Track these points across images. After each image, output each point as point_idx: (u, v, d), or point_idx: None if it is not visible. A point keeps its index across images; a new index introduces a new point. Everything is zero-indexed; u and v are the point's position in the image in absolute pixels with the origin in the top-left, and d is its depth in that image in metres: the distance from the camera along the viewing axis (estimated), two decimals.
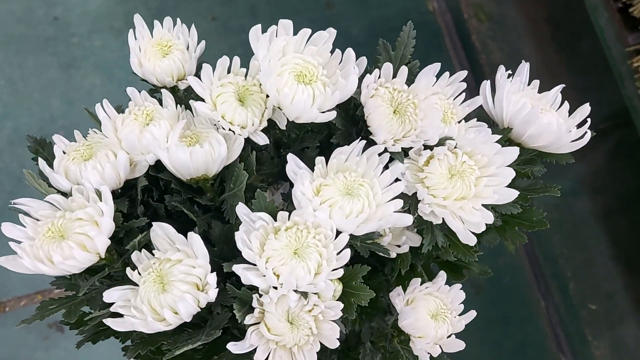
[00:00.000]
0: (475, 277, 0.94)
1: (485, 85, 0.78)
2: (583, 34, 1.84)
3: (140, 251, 0.69)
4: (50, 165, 0.72)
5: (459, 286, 0.79)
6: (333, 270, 0.66)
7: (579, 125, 0.78)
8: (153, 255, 0.68)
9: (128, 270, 0.67)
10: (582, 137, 0.76)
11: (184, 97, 0.79)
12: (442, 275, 0.80)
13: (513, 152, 0.71)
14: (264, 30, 0.72)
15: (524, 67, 0.79)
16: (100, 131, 0.74)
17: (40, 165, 0.72)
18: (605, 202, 1.81)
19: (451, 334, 0.78)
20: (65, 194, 0.70)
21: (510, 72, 0.78)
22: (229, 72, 0.74)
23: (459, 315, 0.78)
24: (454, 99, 0.76)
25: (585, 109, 0.78)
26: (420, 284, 0.79)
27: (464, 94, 0.76)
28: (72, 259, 0.65)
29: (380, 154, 0.70)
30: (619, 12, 1.59)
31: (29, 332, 1.60)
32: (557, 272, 1.76)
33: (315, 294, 0.66)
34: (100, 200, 0.68)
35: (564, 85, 0.80)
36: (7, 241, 0.68)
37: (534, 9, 1.94)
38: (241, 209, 0.67)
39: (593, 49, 1.73)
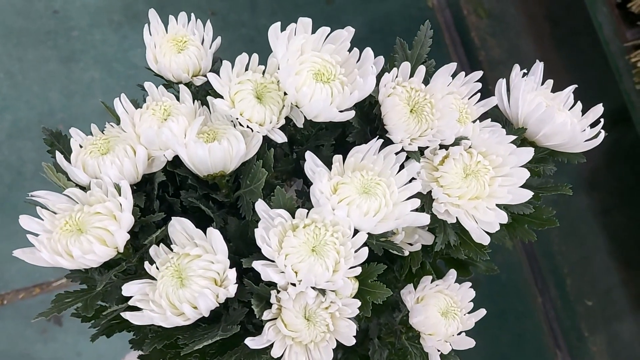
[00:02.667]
0: (482, 273, 0.95)
1: (501, 84, 0.78)
2: (582, 30, 1.85)
3: (158, 246, 0.69)
4: (67, 158, 0.73)
5: (469, 284, 0.79)
6: (350, 268, 0.66)
7: (592, 125, 0.79)
8: (171, 250, 0.68)
9: (146, 264, 0.67)
10: (595, 136, 0.77)
11: (197, 92, 0.79)
12: (452, 273, 0.80)
13: (528, 153, 0.72)
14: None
15: (538, 67, 0.80)
16: (117, 125, 0.75)
17: (58, 159, 0.72)
18: (603, 199, 1.82)
19: (461, 332, 0.78)
20: (83, 188, 0.70)
21: (526, 71, 0.78)
22: (247, 69, 0.74)
23: (469, 313, 0.79)
24: (469, 99, 0.77)
25: (598, 109, 0.79)
26: (430, 282, 0.80)
27: (479, 93, 0.76)
28: (92, 253, 0.65)
29: (396, 153, 0.70)
30: (618, 8, 1.59)
31: (27, 325, 1.60)
32: (554, 268, 1.78)
33: (332, 291, 0.66)
34: (119, 195, 0.68)
35: (576, 86, 0.81)
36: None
37: (533, 6, 1.95)
38: (260, 206, 0.67)
39: (592, 45, 1.74)
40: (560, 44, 1.91)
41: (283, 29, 0.72)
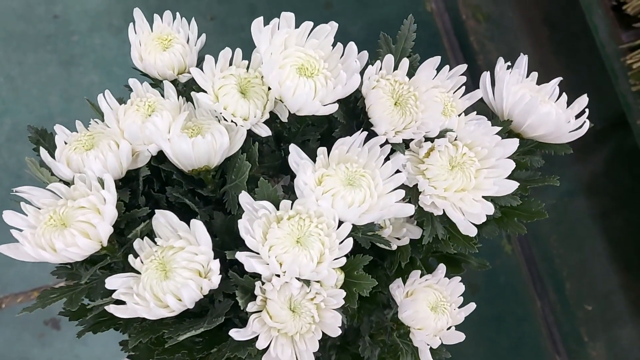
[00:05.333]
0: (474, 270, 0.94)
1: (485, 76, 0.78)
2: (580, 34, 1.85)
3: (142, 239, 0.69)
4: (52, 155, 0.73)
5: (459, 278, 0.79)
6: (335, 259, 0.66)
7: (577, 117, 0.78)
8: (155, 243, 0.68)
9: (130, 257, 0.67)
10: (580, 127, 0.77)
11: (184, 91, 0.80)
12: (442, 268, 0.80)
13: (513, 144, 0.72)
14: (265, 24, 0.72)
15: (523, 60, 0.80)
16: (102, 121, 0.75)
17: (42, 155, 0.72)
18: (602, 202, 1.82)
19: (451, 326, 0.78)
20: (67, 183, 0.71)
21: (510, 64, 0.79)
22: (230, 64, 0.74)
23: (459, 307, 0.78)
24: (454, 93, 0.77)
25: (583, 100, 0.79)
26: (420, 277, 0.79)
27: (463, 87, 0.76)
28: (75, 246, 0.65)
29: (381, 146, 0.70)
30: (613, 10, 1.59)
31: (25, 329, 1.60)
32: (553, 272, 1.77)
33: (317, 282, 0.66)
34: (103, 188, 0.68)
35: (561, 78, 0.81)
36: (11, 237, 0.68)
37: (531, 10, 1.95)
38: (244, 198, 0.67)
39: (590, 49, 1.74)
40: (558, 47, 1.91)
41: None
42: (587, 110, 0.78)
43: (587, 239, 1.80)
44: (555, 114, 0.75)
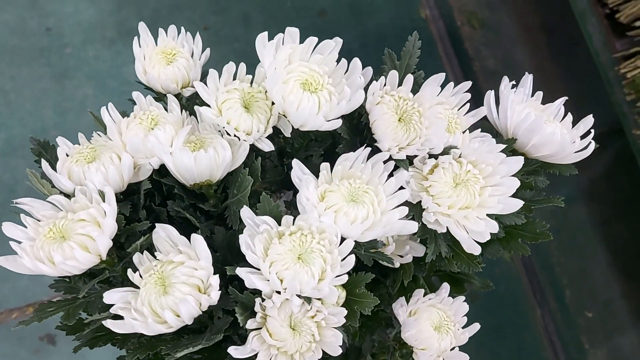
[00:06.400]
0: (477, 290, 0.94)
1: (490, 95, 0.78)
2: (577, 40, 1.84)
3: (142, 253, 0.68)
4: (53, 167, 0.72)
5: (462, 298, 0.78)
6: (337, 276, 0.65)
7: (583, 136, 0.78)
8: (155, 258, 0.68)
9: (129, 272, 0.67)
10: (585, 148, 0.76)
11: (187, 105, 0.79)
12: (445, 287, 0.79)
13: (518, 162, 0.71)
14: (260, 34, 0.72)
15: (527, 79, 0.79)
16: (104, 134, 0.74)
17: (44, 167, 0.72)
18: (602, 210, 1.81)
19: (454, 347, 0.77)
20: (68, 196, 0.70)
21: (515, 83, 0.78)
22: (234, 78, 0.74)
23: (462, 327, 0.78)
24: (458, 110, 0.76)
25: (588, 121, 0.79)
26: (423, 296, 0.79)
27: (468, 104, 0.76)
28: (73, 259, 0.64)
29: (385, 162, 0.70)
30: (606, 18, 1.58)
31: (20, 345, 1.58)
32: (553, 280, 1.76)
33: (318, 299, 0.66)
34: (104, 202, 0.67)
35: (566, 98, 0.80)
36: (6, 253, 0.68)
37: (528, 16, 1.94)
38: (245, 213, 0.66)
39: (587, 56, 1.73)
40: (556, 54, 1.90)
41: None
42: (592, 130, 0.77)
43: (587, 246, 1.79)
44: (560, 134, 0.75)
